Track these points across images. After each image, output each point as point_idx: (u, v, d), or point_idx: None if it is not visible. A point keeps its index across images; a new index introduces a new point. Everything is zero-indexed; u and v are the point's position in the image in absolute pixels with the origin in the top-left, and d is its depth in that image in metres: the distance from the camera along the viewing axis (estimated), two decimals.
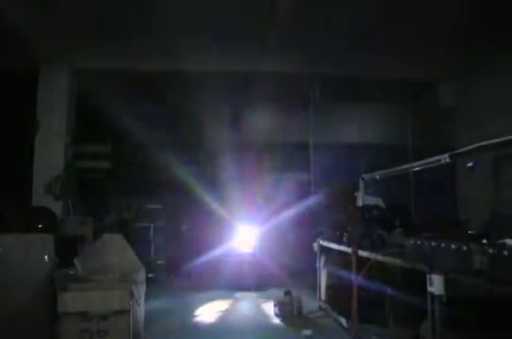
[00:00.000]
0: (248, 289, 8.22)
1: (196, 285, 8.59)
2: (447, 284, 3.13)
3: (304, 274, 8.41)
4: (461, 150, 4.51)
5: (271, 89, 9.40)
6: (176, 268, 9.43)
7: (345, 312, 5.32)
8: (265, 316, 6.51)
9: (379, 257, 4.46)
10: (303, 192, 9.75)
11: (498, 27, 7.46)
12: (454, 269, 3.17)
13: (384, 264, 4.54)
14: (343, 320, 5.54)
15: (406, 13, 7.24)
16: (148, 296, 5.62)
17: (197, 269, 9.11)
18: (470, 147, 4.30)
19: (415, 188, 9.34)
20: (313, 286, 6.97)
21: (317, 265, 6.82)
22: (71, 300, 4.23)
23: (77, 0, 6.86)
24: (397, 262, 4.10)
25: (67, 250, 5.31)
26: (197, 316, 6.50)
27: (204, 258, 8.86)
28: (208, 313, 6.72)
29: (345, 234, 5.69)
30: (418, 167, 5.45)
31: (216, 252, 8.82)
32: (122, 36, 7.95)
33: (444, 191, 9.43)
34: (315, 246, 6.86)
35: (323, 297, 6.61)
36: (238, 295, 7.96)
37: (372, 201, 6.59)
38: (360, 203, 6.78)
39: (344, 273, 5.63)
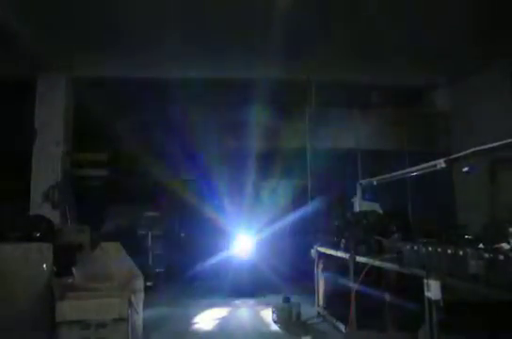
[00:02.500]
0: (246, 296, 8.20)
1: (194, 293, 8.59)
2: (444, 289, 3.15)
3: (302, 280, 8.42)
4: (457, 155, 4.54)
5: (268, 95, 9.44)
6: (174, 276, 9.42)
7: (344, 317, 5.32)
8: (264, 323, 6.50)
9: (377, 263, 4.47)
10: (300, 198, 9.76)
11: (494, 34, 7.53)
12: (450, 274, 3.19)
13: (381, 269, 4.55)
14: (341, 326, 5.54)
15: (403, 20, 7.31)
16: (146, 304, 5.61)
17: (195, 277, 9.11)
18: (465, 152, 4.33)
19: (412, 194, 9.36)
20: (312, 292, 6.97)
21: (315, 271, 6.82)
22: (69, 309, 4.24)
23: (75, 10, 6.90)
24: (394, 267, 4.12)
25: (65, 258, 5.31)
26: (195, 324, 6.48)
27: (203, 266, 8.85)
28: (207, 320, 6.71)
29: (343, 239, 5.70)
30: (414, 172, 5.48)
31: (215, 260, 8.81)
32: (120, 44, 8.00)
33: (441, 196, 9.46)
34: (313, 252, 6.87)
35: (321, 303, 6.60)
36: (237, 302, 7.95)
37: (369, 206, 6.62)
38: (357, 209, 6.80)
39: (341, 279, 5.64)
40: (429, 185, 8.42)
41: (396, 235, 5.14)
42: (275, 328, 6.20)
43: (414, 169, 5.43)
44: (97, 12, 7.00)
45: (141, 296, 5.37)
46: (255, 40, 7.81)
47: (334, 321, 5.88)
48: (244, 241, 8.93)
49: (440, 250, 3.45)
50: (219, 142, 10.08)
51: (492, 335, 3.18)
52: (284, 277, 8.67)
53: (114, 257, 5.41)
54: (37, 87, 9.09)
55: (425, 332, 3.33)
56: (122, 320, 4.32)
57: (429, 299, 3.26)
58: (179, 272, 9.30)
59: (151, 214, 9.86)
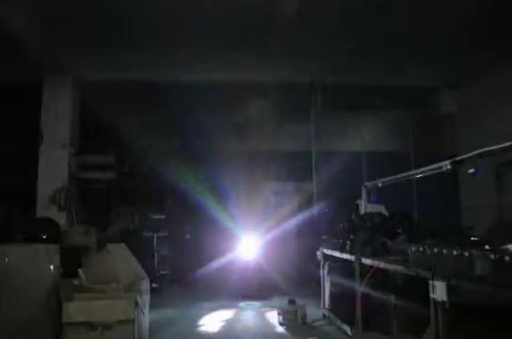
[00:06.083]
0: (251, 298, 8.20)
1: (200, 295, 8.60)
2: (449, 291, 3.14)
3: (308, 282, 8.41)
4: (462, 156, 4.52)
5: (273, 97, 9.45)
6: (180, 278, 9.44)
7: (349, 319, 5.31)
8: (270, 325, 6.50)
9: (382, 264, 4.46)
10: (306, 200, 9.75)
11: (500, 35, 7.51)
12: (456, 276, 3.18)
13: (387, 271, 4.54)
14: (347, 328, 5.53)
15: (408, 21, 7.30)
16: (152, 305, 5.63)
17: (200, 279, 9.11)
18: (471, 153, 4.31)
19: (418, 195, 9.34)
20: (317, 294, 6.96)
21: (321, 273, 6.82)
22: (75, 310, 4.26)
23: (80, 13, 6.94)
24: (400, 269, 4.11)
25: (71, 260, 5.34)
26: (201, 326, 6.49)
27: (208, 267, 8.86)
28: (212, 322, 6.71)
29: (348, 241, 5.69)
30: (420, 174, 5.46)
31: (220, 262, 8.81)
32: (125, 48, 8.03)
33: (447, 198, 9.43)
34: (319, 254, 6.87)
35: (327, 305, 6.59)
36: (242, 304, 7.94)
37: (374, 208, 6.61)
38: (362, 211, 6.79)
39: (347, 281, 5.64)
40: (435, 187, 8.39)
41: (402, 237, 5.13)
42: (280, 330, 6.20)
43: (420, 170, 5.41)
44: (103, 14, 7.03)
45: (147, 297, 5.39)
46: (259, 42, 7.81)
47: (340, 323, 5.86)
48: (249, 243, 8.93)
49: (445, 251, 3.44)
50: (224, 144, 10.10)
51: (499, 337, 3.17)
52: (290, 279, 8.66)
53: (120, 259, 5.44)
54: (43, 89, 9.14)
55: (431, 335, 3.32)
56: (129, 322, 4.34)
57: (435, 301, 3.25)
58: (184, 274, 9.32)
59: (156, 216, 9.89)
